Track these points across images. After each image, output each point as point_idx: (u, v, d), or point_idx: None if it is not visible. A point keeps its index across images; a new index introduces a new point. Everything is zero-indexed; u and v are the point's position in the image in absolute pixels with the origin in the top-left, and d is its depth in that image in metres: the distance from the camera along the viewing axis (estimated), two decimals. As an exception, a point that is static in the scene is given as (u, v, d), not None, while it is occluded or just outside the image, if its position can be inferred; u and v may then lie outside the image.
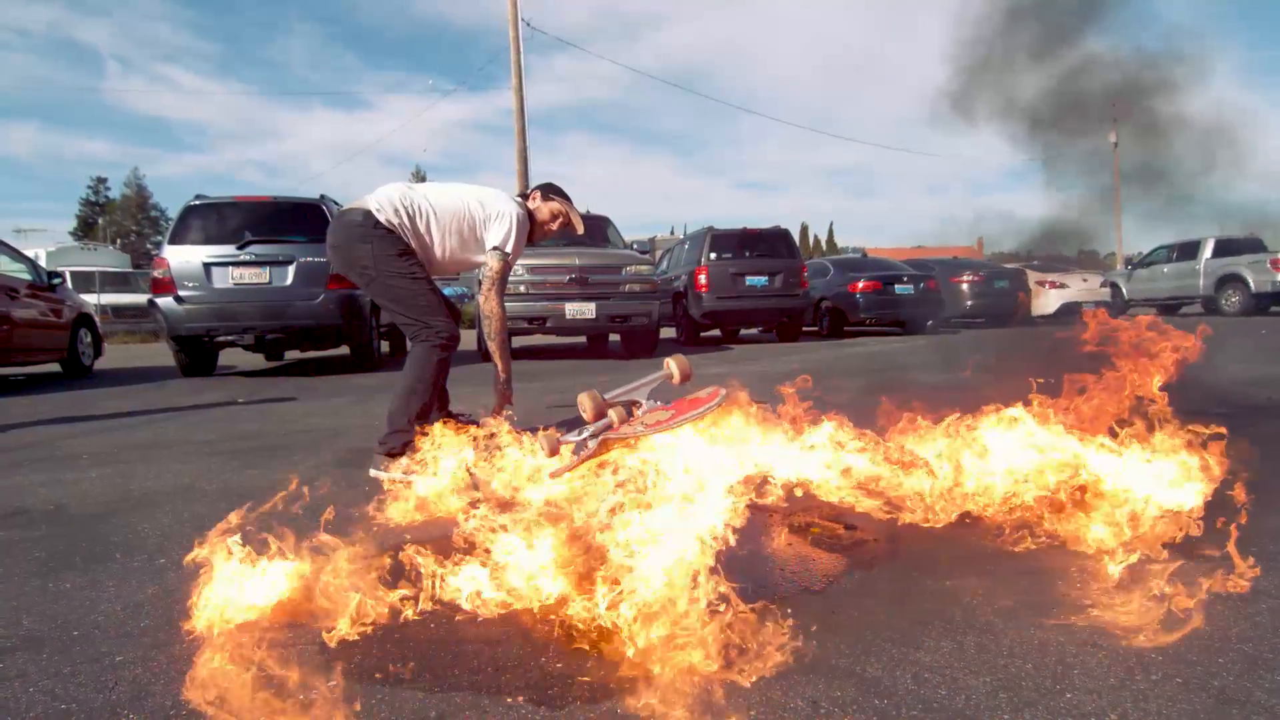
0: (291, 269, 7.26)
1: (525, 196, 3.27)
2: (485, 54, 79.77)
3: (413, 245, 3.00)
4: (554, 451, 2.13)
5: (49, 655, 1.48)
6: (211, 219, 7.52)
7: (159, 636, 1.55)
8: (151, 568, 1.98)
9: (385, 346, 9.34)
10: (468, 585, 1.59)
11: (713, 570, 1.44)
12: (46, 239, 32.49)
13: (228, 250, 7.25)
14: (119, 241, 41.79)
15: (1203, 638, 1.41)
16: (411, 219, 2.99)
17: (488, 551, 1.62)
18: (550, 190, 3.27)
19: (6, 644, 1.53)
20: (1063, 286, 15.47)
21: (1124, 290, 17.38)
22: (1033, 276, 15.51)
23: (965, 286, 14.83)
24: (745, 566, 1.79)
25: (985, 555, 1.89)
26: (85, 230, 48.37)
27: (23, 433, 4.45)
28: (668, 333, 11.48)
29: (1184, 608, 1.51)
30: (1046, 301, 15.40)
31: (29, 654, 1.48)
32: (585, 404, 2.14)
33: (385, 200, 2.97)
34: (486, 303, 3.10)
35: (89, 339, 8.97)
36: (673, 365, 2.20)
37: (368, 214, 2.94)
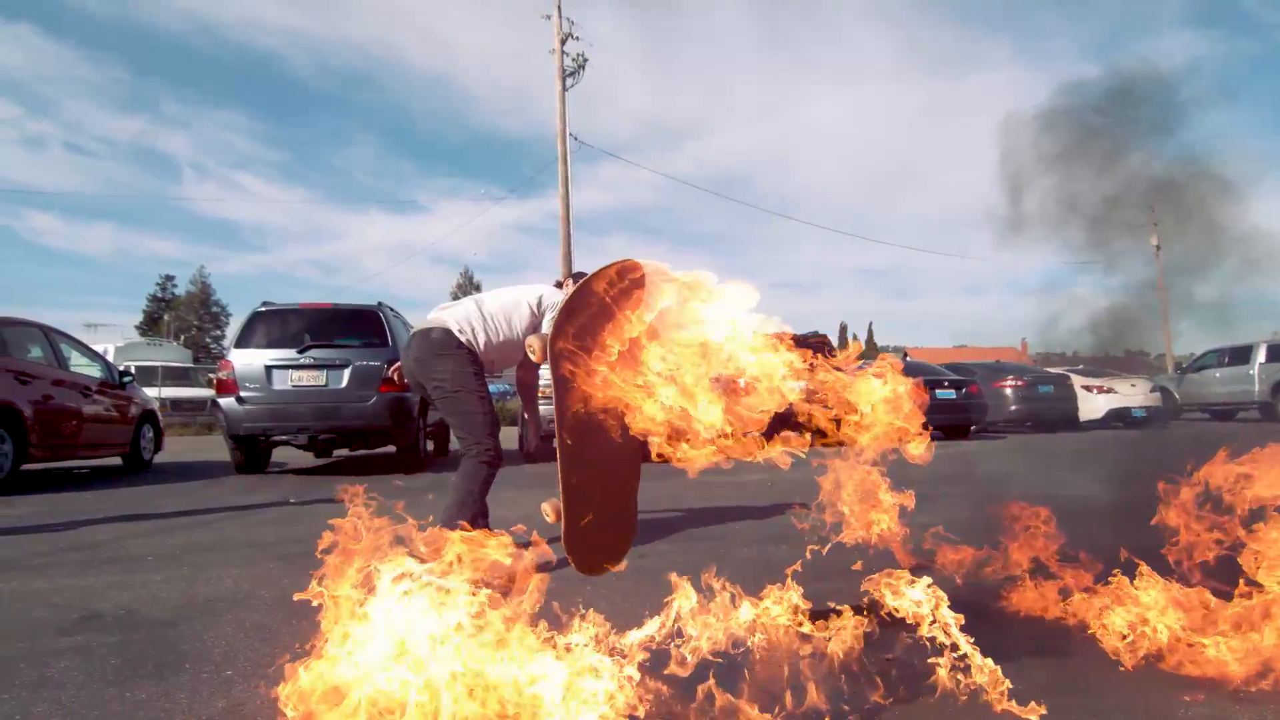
0: (347, 372, 7.60)
1: (560, 285, 3.66)
2: (535, 163, 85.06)
3: (483, 357, 3.31)
4: (558, 516, 2.27)
5: (130, 769, 1.56)
6: (275, 324, 7.99)
7: (231, 753, 1.62)
8: (219, 679, 2.07)
9: (430, 445, 9.54)
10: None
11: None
12: (114, 334, 34.37)
13: (288, 354, 7.65)
14: (182, 337, 43.90)
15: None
16: (485, 333, 3.31)
17: None
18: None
19: (90, 756, 1.62)
20: (1110, 392, 15.11)
21: (1176, 395, 16.94)
22: (1078, 381, 15.23)
23: (1009, 391, 14.63)
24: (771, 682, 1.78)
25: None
26: (150, 325, 50.97)
27: (90, 530, 4.66)
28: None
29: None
30: (1094, 407, 15.05)
31: (112, 767, 1.57)
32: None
33: (464, 320, 3.29)
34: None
35: (150, 434, 9.37)
36: None
37: (448, 333, 3.25)
